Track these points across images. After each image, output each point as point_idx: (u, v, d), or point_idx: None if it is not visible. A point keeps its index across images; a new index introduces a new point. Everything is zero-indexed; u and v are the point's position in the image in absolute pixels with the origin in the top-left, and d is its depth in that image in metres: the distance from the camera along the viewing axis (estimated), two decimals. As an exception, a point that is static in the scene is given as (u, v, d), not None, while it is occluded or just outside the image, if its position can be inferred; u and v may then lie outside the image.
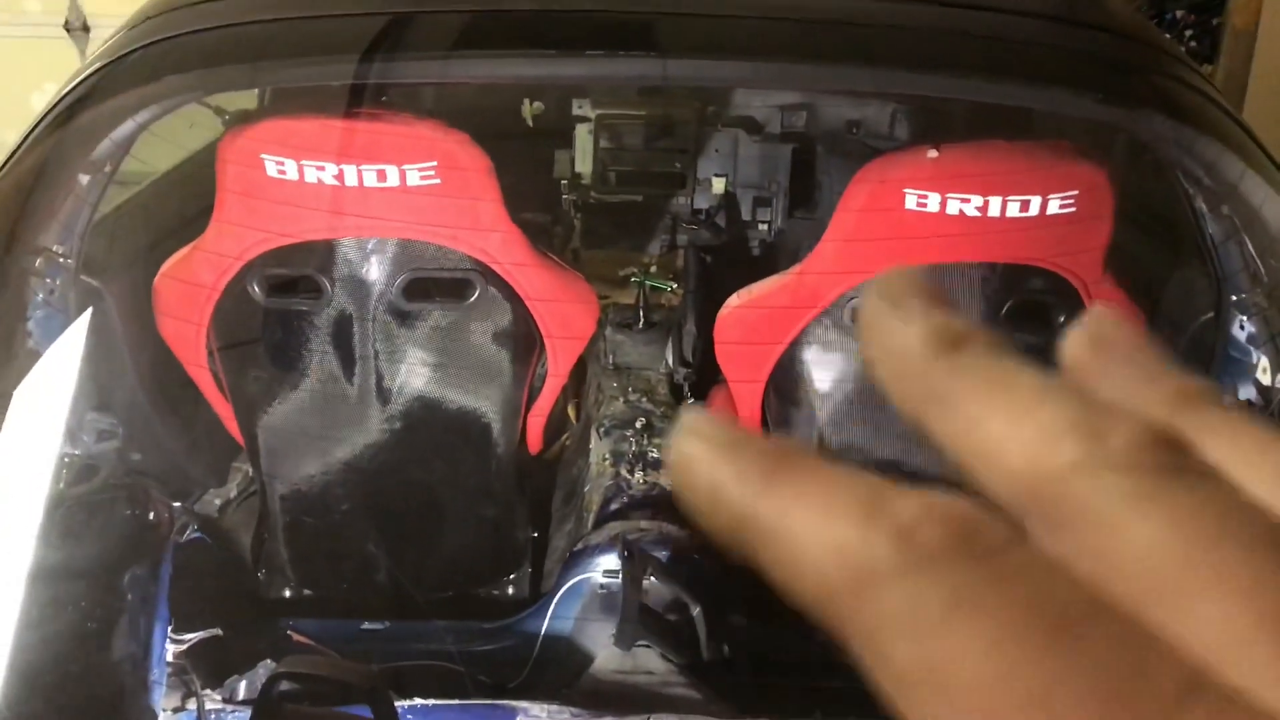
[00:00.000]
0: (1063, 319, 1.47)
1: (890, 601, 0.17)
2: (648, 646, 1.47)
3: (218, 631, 1.42)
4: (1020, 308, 1.46)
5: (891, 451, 1.55)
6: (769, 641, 1.65)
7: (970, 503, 0.18)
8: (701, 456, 0.19)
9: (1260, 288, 1.35)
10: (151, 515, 1.40)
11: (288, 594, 1.75)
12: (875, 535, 0.17)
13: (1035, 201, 1.36)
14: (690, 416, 0.20)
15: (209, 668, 1.41)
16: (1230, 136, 1.36)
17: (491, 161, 1.42)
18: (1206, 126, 1.35)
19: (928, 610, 0.16)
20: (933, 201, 1.38)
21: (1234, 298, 1.38)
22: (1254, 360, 1.40)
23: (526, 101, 2.21)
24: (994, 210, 1.37)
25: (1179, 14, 4.11)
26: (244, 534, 1.73)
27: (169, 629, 1.38)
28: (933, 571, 0.17)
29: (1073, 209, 1.37)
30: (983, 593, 0.16)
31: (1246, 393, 1.44)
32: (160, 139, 1.56)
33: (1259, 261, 1.34)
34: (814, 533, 0.18)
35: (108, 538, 1.33)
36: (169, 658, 1.38)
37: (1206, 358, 1.46)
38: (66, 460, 1.37)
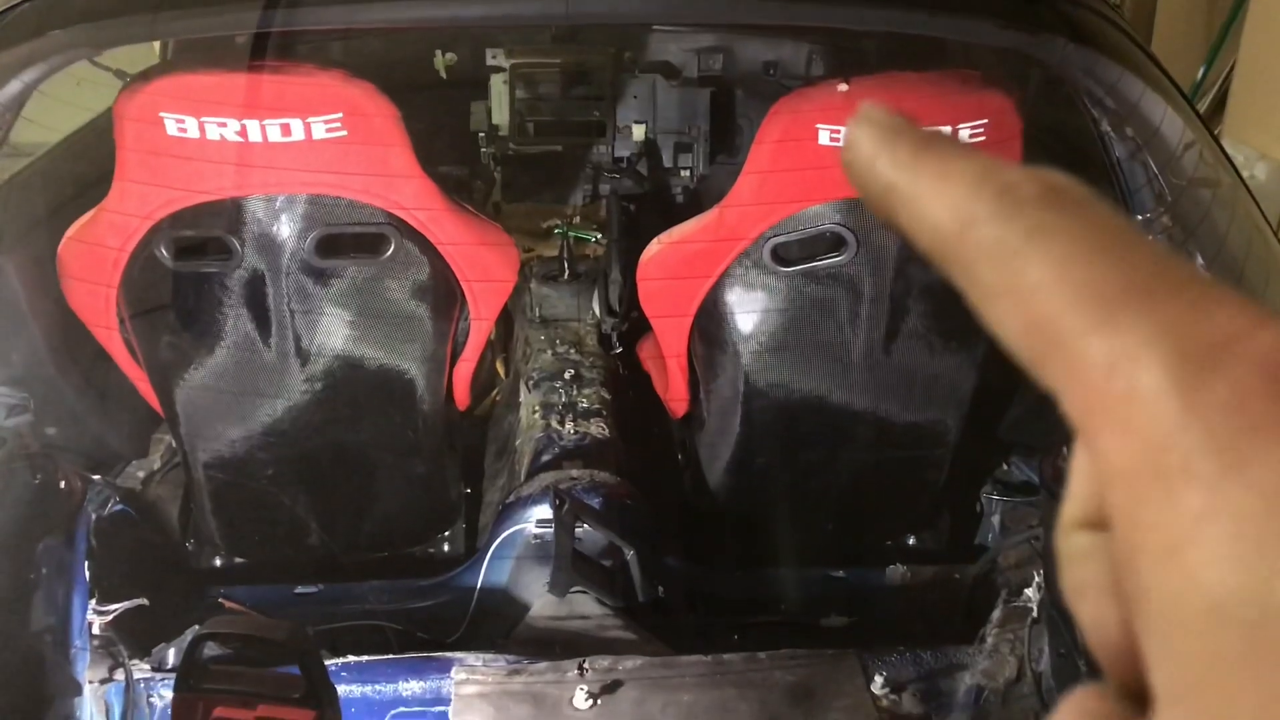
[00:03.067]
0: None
1: (984, 235, 0.21)
2: (583, 592, 1.47)
3: (144, 601, 1.40)
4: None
5: (815, 388, 1.56)
6: (701, 581, 1.67)
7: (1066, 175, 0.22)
8: (867, 138, 0.24)
9: (1162, 204, 1.37)
10: (61, 484, 1.36)
11: (218, 563, 1.73)
12: (983, 192, 0.22)
13: (946, 131, 1.37)
14: (866, 105, 0.24)
15: (137, 638, 1.39)
16: (1131, 59, 1.37)
17: (400, 111, 1.39)
18: (1109, 49, 1.37)
19: (1012, 239, 0.21)
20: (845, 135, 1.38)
21: (1139, 217, 1.41)
22: None
23: (439, 53, 2.17)
24: (906, 141, 1.37)
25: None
26: (170, 505, 1.70)
27: (93, 600, 1.36)
28: (1021, 213, 0.21)
29: (983, 137, 1.38)
30: (1057, 226, 0.21)
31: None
32: (60, 103, 1.51)
33: (1161, 179, 1.36)
34: (937, 195, 0.22)
35: (12, 508, 1.30)
36: (95, 629, 1.36)
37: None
38: (-30, 433, 1.34)
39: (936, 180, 0.22)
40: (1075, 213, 0.21)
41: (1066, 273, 0.20)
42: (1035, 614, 1.38)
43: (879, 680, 1.33)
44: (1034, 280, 0.20)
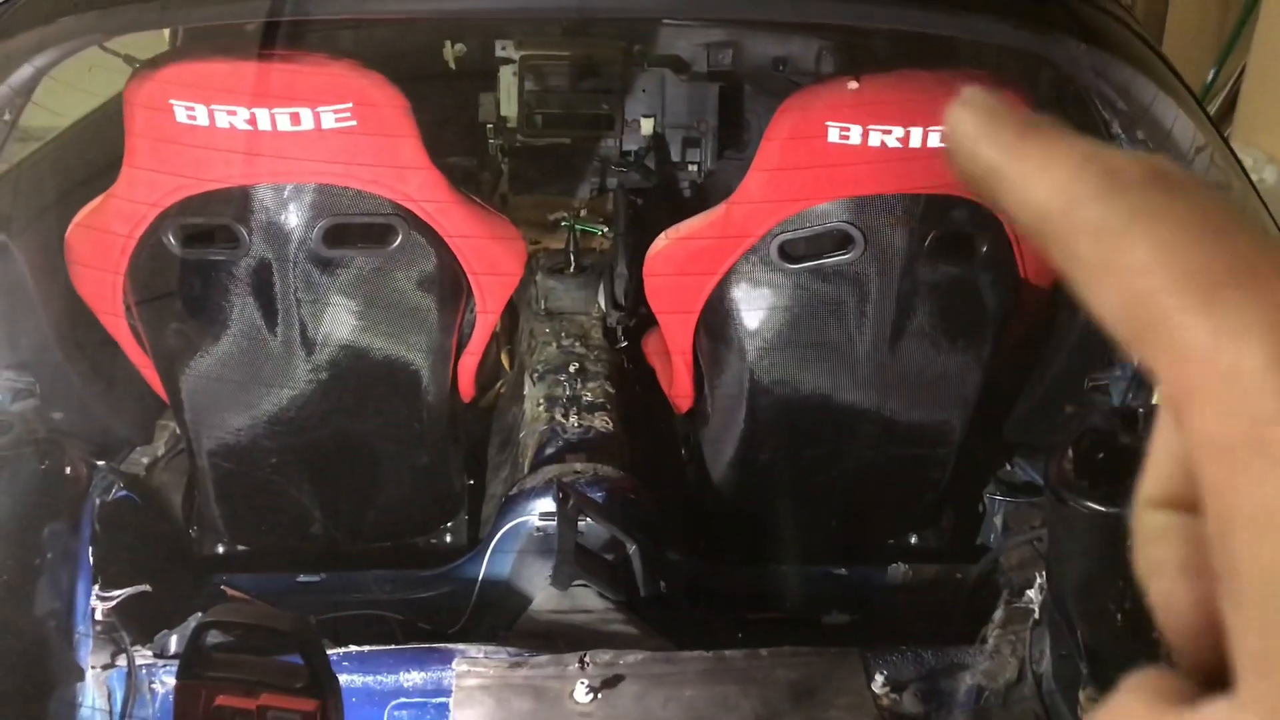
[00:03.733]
0: (985, 249, 1.48)
1: (1089, 214, 0.22)
2: (585, 586, 1.48)
3: (147, 588, 1.40)
4: (944, 238, 1.47)
5: (820, 385, 1.56)
6: (703, 577, 1.67)
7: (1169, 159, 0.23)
8: (969, 122, 0.25)
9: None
10: (67, 470, 1.37)
11: (220, 550, 1.73)
12: (1088, 173, 0.22)
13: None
14: (968, 90, 0.25)
15: (139, 624, 1.39)
16: (1143, 60, 1.37)
17: (410, 102, 1.39)
18: (1121, 51, 1.36)
19: (1116, 218, 0.22)
20: (854, 134, 1.38)
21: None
22: None
23: (448, 44, 2.17)
24: (915, 141, 1.37)
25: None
26: (174, 492, 1.70)
27: (96, 586, 1.36)
28: (1125, 194, 0.22)
29: (993, 137, 1.37)
30: (1161, 208, 0.21)
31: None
32: (73, 89, 1.51)
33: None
34: (1042, 175, 0.23)
35: (18, 493, 1.30)
36: (98, 615, 1.36)
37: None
38: (-23, 417, 1.34)
39: (1041, 162, 0.23)
40: (1179, 196, 0.22)
41: (1170, 253, 0.21)
42: (1037, 615, 1.38)
43: (880, 679, 1.33)
44: (1137, 259, 0.21)
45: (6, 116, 1.30)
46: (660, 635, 1.43)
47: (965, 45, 1.70)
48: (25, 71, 1.26)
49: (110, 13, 1.31)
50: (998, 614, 1.43)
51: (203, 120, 1.33)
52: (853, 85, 1.38)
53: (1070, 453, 1.18)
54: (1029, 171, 0.23)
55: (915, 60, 1.57)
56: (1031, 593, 1.42)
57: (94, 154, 1.62)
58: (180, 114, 1.33)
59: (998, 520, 1.71)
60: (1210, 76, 3.94)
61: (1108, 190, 0.22)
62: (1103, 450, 1.17)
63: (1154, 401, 1.26)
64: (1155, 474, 0.24)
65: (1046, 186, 0.23)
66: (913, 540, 1.79)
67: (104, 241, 1.43)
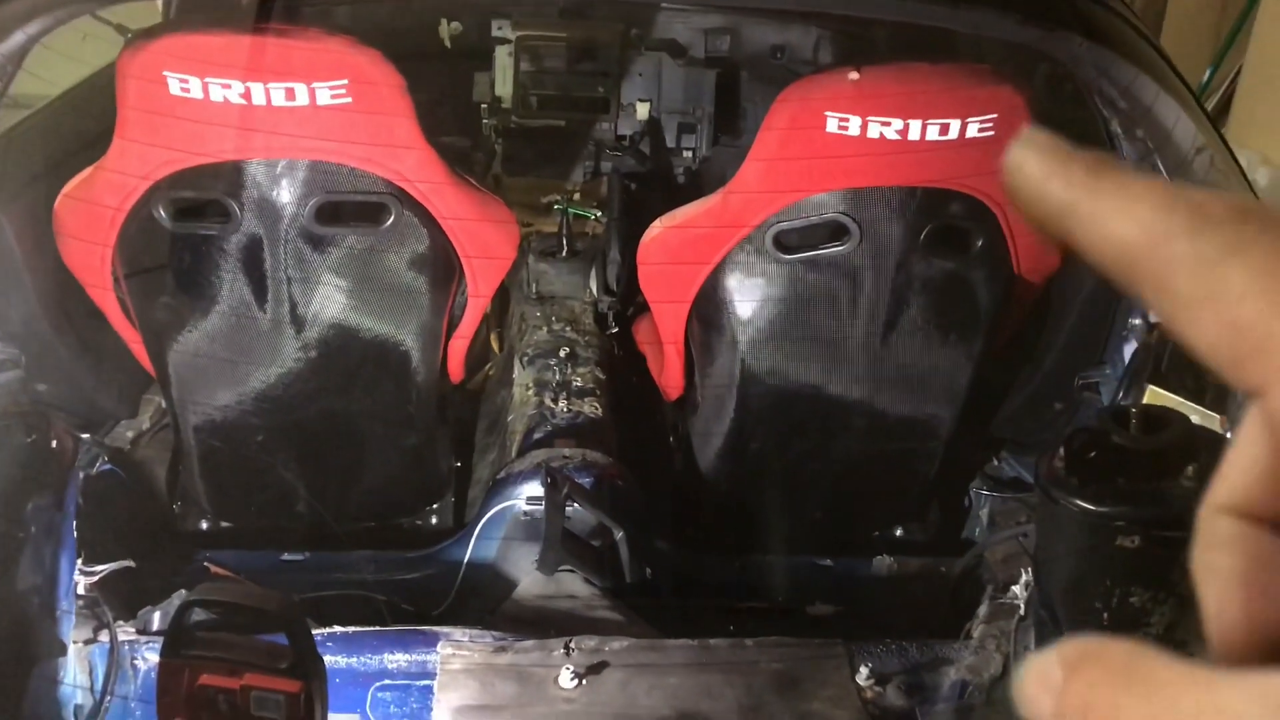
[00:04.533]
0: (979, 243, 1.48)
1: (1182, 248, 0.22)
2: (571, 571, 1.47)
3: (130, 563, 1.39)
4: (939, 232, 1.47)
5: (811, 377, 1.56)
6: (690, 564, 1.67)
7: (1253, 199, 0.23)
8: (1034, 161, 0.25)
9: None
10: (53, 444, 1.35)
11: (205, 526, 1.72)
12: (1175, 210, 0.23)
13: (955, 125, 1.36)
14: (1029, 130, 0.25)
15: (122, 600, 1.38)
16: (1146, 60, 1.36)
17: (405, 80, 1.38)
18: (1123, 49, 1.36)
19: (1211, 251, 0.22)
20: (854, 125, 1.37)
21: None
22: None
23: (444, 22, 2.15)
24: (914, 133, 1.37)
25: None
26: (159, 466, 1.69)
27: (79, 561, 1.35)
28: (1217, 228, 0.22)
29: (991, 132, 1.37)
30: (1253, 239, 0.22)
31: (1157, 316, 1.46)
32: (64, 57, 1.49)
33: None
34: (1125, 213, 0.23)
35: (4, 466, 1.29)
36: (81, 590, 1.35)
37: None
38: (-39, 388, 1.32)
39: (1120, 199, 0.24)
40: (1268, 228, 0.22)
41: (1270, 279, 0.22)
42: (1022, 611, 1.38)
43: (864, 671, 1.34)
44: (1237, 288, 0.22)
45: (-3, 84, 1.28)
46: (645, 622, 1.43)
47: (966, 39, 1.69)
48: (17, 39, 1.24)
49: None
50: (983, 609, 1.43)
51: (196, 93, 1.32)
52: (853, 76, 1.38)
53: (1061, 451, 1.18)
54: (1109, 209, 0.24)
55: (916, 52, 1.56)
56: (1017, 588, 1.42)
57: (85, 124, 1.61)
58: (174, 86, 1.32)
59: (984, 515, 1.71)
60: (1206, 77, 3.94)
61: (1198, 225, 0.23)
62: (1093, 449, 1.17)
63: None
64: (1232, 482, 0.24)
65: (1131, 223, 0.23)
66: (899, 533, 1.79)
67: (93, 213, 1.41)
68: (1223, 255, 0.22)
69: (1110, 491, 1.13)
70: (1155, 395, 1.42)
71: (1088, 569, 1.17)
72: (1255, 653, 0.23)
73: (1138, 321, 1.51)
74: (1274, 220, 0.22)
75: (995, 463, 1.77)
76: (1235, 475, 0.24)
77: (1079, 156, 0.24)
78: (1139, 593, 1.11)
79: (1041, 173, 0.25)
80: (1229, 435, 1.35)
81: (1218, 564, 0.24)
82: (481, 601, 1.53)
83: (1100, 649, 0.23)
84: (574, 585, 1.47)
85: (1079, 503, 1.14)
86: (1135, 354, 1.49)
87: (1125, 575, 1.12)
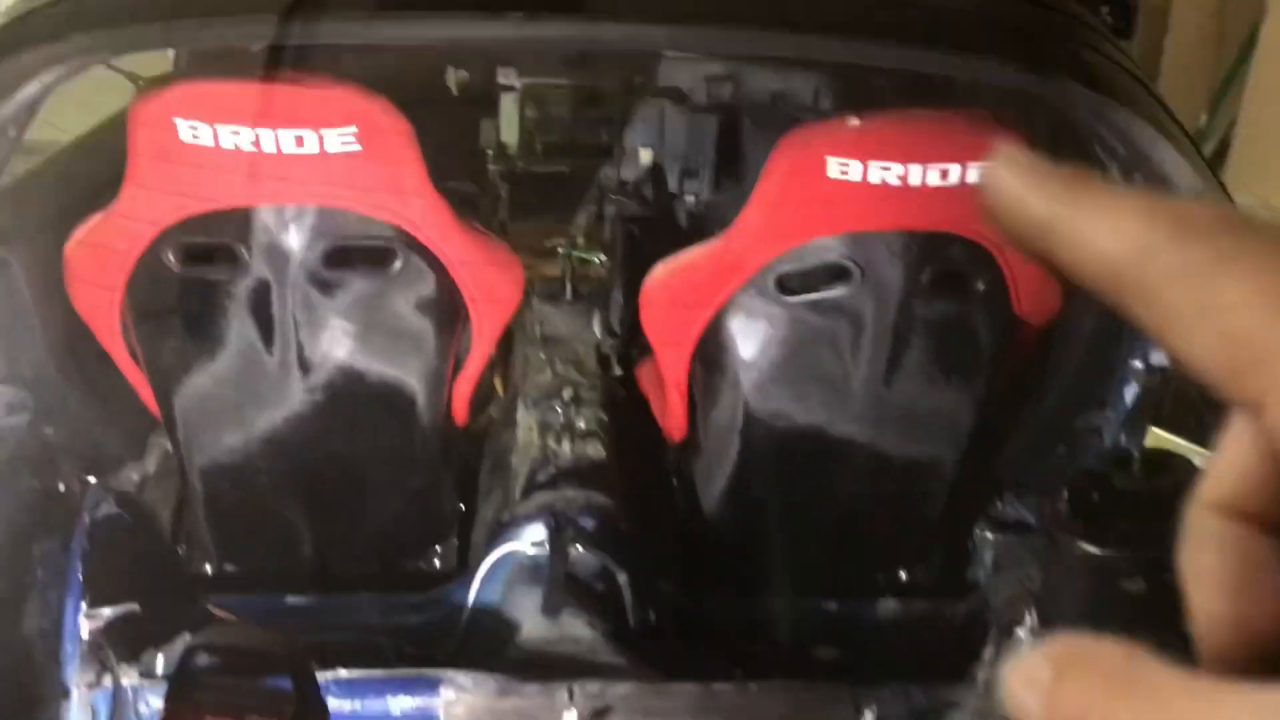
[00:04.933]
0: (980, 287, 1.49)
1: (1170, 260, 0.22)
2: (575, 615, 1.47)
3: (135, 607, 1.39)
4: (941, 275, 1.48)
5: (814, 419, 1.57)
6: (694, 607, 1.66)
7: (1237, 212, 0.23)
8: (1012, 179, 0.24)
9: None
10: (61, 487, 1.36)
11: (209, 569, 1.72)
12: (1160, 220, 0.22)
13: (954, 170, 1.38)
14: (1006, 148, 0.25)
15: (126, 644, 1.38)
16: (1143, 106, 1.38)
17: (413, 128, 1.40)
18: (1121, 96, 1.38)
19: (1200, 261, 0.22)
20: (854, 170, 1.39)
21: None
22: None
23: (452, 70, 2.18)
24: (914, 179, 1.38)
25: (1098, -9, 4.18)
26: (164, 509, 1.69)
27: (84, 604, 1.35)
28: (1204, 237, 0.22)
29: (992, 177, 1.39)
30: (1242, 247, 0.22)
31: (1158, 358, 1.48)
32: (75, 104, 1.51)
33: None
34: (1107, 226, 0.23)
35: (13, 509, 1.29)
36: (85, 634, 1.35)
37: (1121, 324, 1.49)
38: (-29, 432, 1.33)
39: (1104, 212, 0.23)
40: (1257, 235, 0.22)
41: (1264, 289, 0.21)
42: (1028, 654, 1.37)
43: (869, 715, 1.33)
44: (1231, 298, 0.21)
45: (11, 132, 1.30)
46: (650, 666, 1.42)
47: (965, 85, 1.72)
48: (32, 88, 1.27)
49: (119, 31, 1.32)
50: (988, 652, 1.42)
51: (206, 140, 1.34)
52: (854, 122, 1.40)
53: (1064, 494, 1.19)
54: (1091, 223, 0.23)
55: (916, 98, 1.58)
56: (1022, 631, 1.42)
57: (96, 171, 1.63)
58: (184, 133, 1.34)
59: (988, 557, 1.71)
60: (1203, 121, 3.98)
61: (1185, 235, 0.22)
62: (1096, 491, 1.17)
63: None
64: (1220, 479, 0.24)
65: (1115, 237, 0.23)
66: (903, 575, 1.78)
67: (104, 258, 1.43)
68: (1213, 265, 0.22)
69: (1113, 534, 1.14)
70: (1157, 437, 1.43)
71: (1092, 612, 1.17)
72: (1242, 654, 0.22)
73: (1139, 364, 1.52)
74: (1261, 228, 0.22)
75: (999, 505, 1.77)
76: (1223, 473, 0.24)
77: (1056, 171, 0.24)
78: (1144, 636, 1.11)
79: (1019, 190, 0.24)
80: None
81: (1204, 563, 0.24)
82: (485, 645, 1.53)
83: (1092, 650, 0.22)
84: (578, 628, 1.47)
85: (1082, 545, 1.15)
86: (1137, 396, 1.50)
87: (1130, 618, 1.12)
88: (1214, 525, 0.24)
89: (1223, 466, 0.24)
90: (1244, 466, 0.23)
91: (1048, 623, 1.29)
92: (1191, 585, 0.24)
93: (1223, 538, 0.24)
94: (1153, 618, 1.15)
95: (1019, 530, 1.71)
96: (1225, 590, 0.23)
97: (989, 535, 1.72)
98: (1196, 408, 1.41)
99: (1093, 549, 1.13)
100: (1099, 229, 0.23)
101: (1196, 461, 1.26)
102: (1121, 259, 0.23)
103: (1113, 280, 0.23)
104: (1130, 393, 1.51)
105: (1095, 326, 1.57)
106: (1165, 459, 1.17)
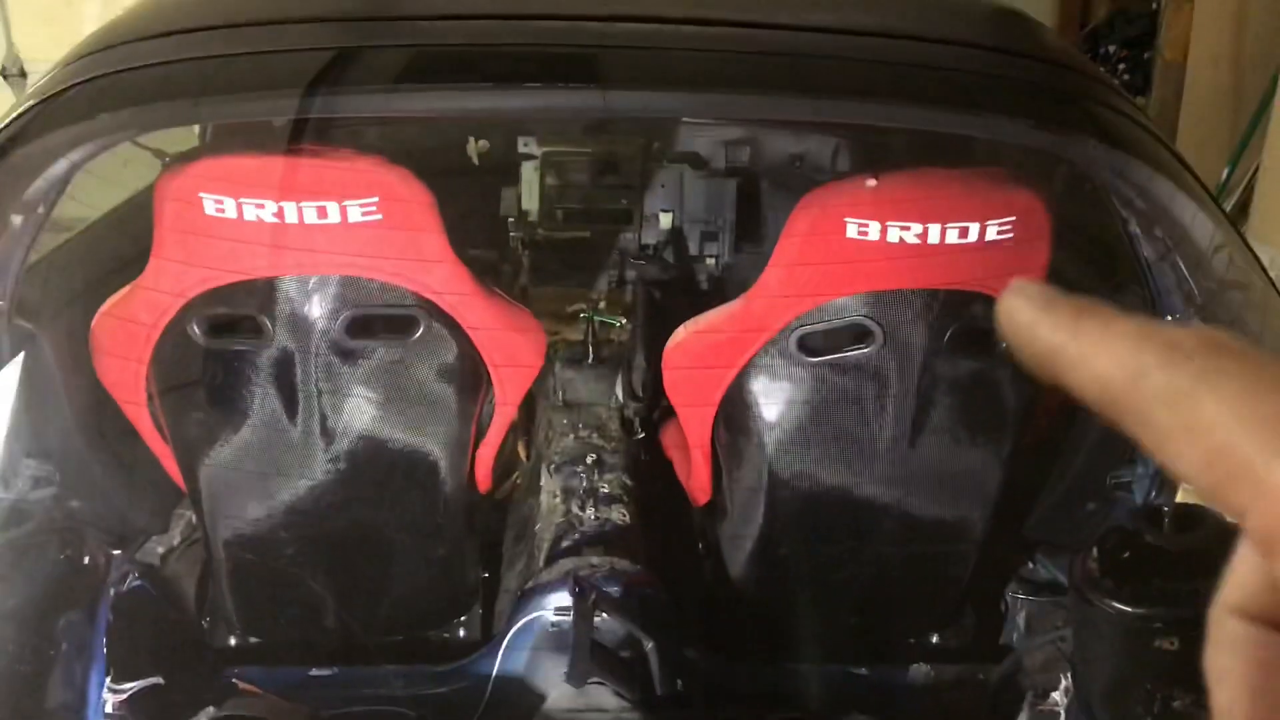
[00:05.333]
0: (1004, 344, 1.48)
1: (1157, 382, 0.24)
2: (601, 683, 1.45)
3: (159, 681, 1.39)
4: (963, 333, 1.47)
5: (839, 480, 1.55)
6: (722, 674, 1.64)
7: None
8: (1024, 308, 0.27)
9: (1193, 306, 1.37)
10: (86, 560, 1.36)
11: (233, 642, 1.71)
12: (1149, 346, 0.25)
13: (974, 228, 1.38)
14: (1018, 280, 0.28)
15: (150, 717, 1.37)
16: (1161, 160, 1.38)
17: (434, 197, 1.41)
18: (1138, 151, 1.38)
19: (1184, 383, 0.24)
20: (873, 230, 1.39)
21: (1168, 317, 1.41)
22: None
23: (472, 140, 2.21)
24: (933, 238, 1.38)
25: (1113, 49, 4.21)
26: (188, 582, 1.69)
27: (108, 678, 1.35)
28: (1188, 361, 0.24)
29: (1010, 235, 1.39)
30: (1224, 369, 0.23)
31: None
32: (102, 180, 1.54)
33: (1191, 281, 1.36)
34: (1105, 352, 0.25)
35: (39, 582, 1.29)
36: (109, 708, 1.34)
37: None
38: (-2, 505, 1.34)
39: (1101, 339, 0.25)
40: (1238, 358, 0.24)
41: (1241, 408, 0.23)
42: (1063, 718, 1.34)
43: (903, 783, 1.30)
44: (1211, 417, 0.23)
45: (41, 209, 1.33)
46: (677, 735, 1.40)
47: (982, 143, 1.73)
48: (61, 166, 1.29)
49: (146, 109, 1.34)
50: (1023, 716, 1.39)
51: (231, 213, 1.36)
52: (871, 183, 1.40)
53: (1095, 551, 1.17)
54: (1090, 349, 0.25)
55: (934, 157, 1.59)
56: (1056, 695, 1.39)
57: (123, 246, 1.65)
58: (209, 206, 1.36)
59: (1020, 619, 1.68)
60: (1225, 175, 3.97)
61: (1171, 359, 0.24)
62: (1128, 549, 1.15)
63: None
64: (1237, 583, 0.25)
65: (1110, 361, 0.25)
66: (934, 639, 1.75)
67: (129, 331, 1.45)
68: (1195, 387, 0.23)
69: (1146, 592, 1.12)
70: (1188, 493, 1.40)
71: (1127, 672, 1.15)
72: None
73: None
74: (1242, 351, 0.24)
75: (1030, 565, 1.74)
76: (1240, 577, 0.25)
77: (1064, 301, 0.26)
78: (1181, 695, 1.08)
79: (1031, 318, 0.27)
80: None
81: (1225, 664, 0.24)
82: (511, 715, 1.51)
83: None
84: (604, 698, 1.45)
85: (1115, 604, 1.12)
86: (1167, 452, 1.48)
87: (1166, 677, 1.10)
88: (1234, 628, 0.25)
89: (1239, 571, 0.25)
90: (1260, 575, 0.25)
91: (1082, 685, 1.27)
92: (1214, 686, 0.25)
93: (1242, 640, 0.25)
94: (1190, 677, 1.12)
95: (1052, 590, 1.68)
96: (1245, 692, 0.24)
97: (1020, 596, 1.69)
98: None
99: (1125, 608, 1.11)
100: (1098, 355, 0.25)
101: (1228, 517, 1.24)
102: (1116, 383, 0.25)
103: (1110, 402, 0.25)
104: (1160, 448, 1.49)
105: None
106: (1197, 514, 1.15)
